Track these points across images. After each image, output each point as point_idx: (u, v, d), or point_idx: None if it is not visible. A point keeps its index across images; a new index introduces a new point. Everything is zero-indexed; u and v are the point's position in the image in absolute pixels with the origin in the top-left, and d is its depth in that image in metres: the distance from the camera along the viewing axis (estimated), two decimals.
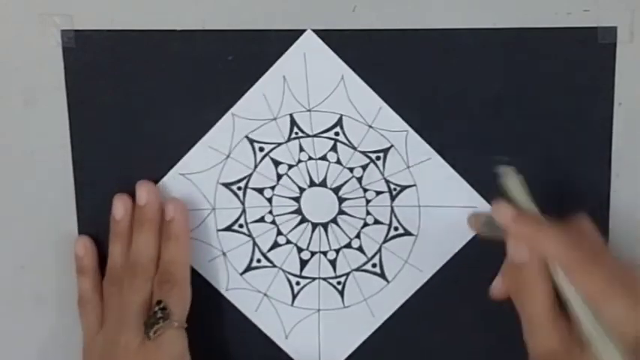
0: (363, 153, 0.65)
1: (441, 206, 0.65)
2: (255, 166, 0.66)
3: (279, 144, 0.65)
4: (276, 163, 0.66)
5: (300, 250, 0.67)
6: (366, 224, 0.66)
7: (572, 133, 0.65)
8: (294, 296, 0.68)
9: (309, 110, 0.65)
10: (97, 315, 0.65)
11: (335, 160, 0.65)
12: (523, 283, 0.58)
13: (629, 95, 0.64)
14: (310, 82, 0.64)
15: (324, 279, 0.67)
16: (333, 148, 0.65)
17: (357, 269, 0.67)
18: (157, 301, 0.62)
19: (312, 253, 0.67)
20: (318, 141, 0.65)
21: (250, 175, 0.66)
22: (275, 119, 0.65)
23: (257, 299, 0.68)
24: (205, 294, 0.67)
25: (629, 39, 0.64)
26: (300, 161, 0.66)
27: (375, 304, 0.67)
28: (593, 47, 0.64)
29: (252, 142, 0.65)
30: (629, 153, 0.65)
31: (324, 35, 0.64)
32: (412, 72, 0.64)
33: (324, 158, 0.65)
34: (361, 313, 0.68)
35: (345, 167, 0.66)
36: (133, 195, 0.66)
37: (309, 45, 0.64)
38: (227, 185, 0.66)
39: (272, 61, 0.64)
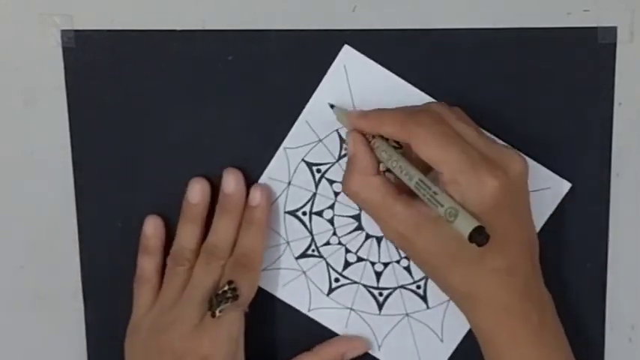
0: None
1: None
2: (316, 188, 0.66)
3: (332, 163, 0.65)
4: (331, 182, 0.66)
5: (372, 263, 0.67)
6: None
7: (572, 133, 0.65)
8: (380, 306, 0.67)
9: None
10: (153, 294, 0.65)
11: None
12: (354, 177, 0.60)
13: (629, 95, 0.65)
14: (354, 95, 0.64)
15: (403, 286, 0.67)
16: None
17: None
18: (229, 281, 0.63)
19: (385, 265, 0.67)
20: None
21: (313, 198, 0.66)
22: (321, 140, 0.65)
23: (344, 315, 0.68)
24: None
25: (629, 39, 0.64)
26: None
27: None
28: (593, 47, 0.64)
29: (309, 165, 0.66)
30: (629, 153, 0.65)
31: (326, 35, 0.64)
32: (412, 72, 0.64)
33: None
34: (449, 314, 0.67)
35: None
36: (133, 188, 0.66)
37: (349, 59, 0.64)
38: (292, 213, 0.66)
39: (272, 61, 0.64)
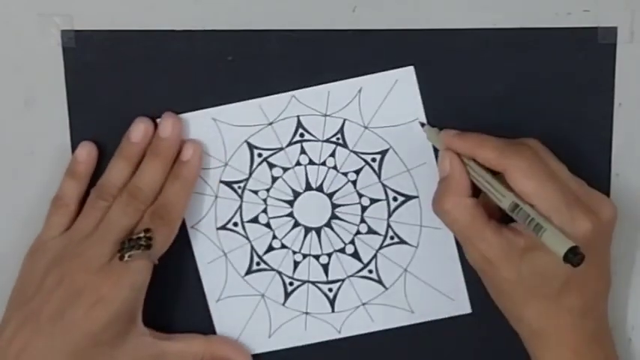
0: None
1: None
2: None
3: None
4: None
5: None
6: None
7: (572, 133, 0.65)
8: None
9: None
10: (67, 220, 0.64)
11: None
12: (448, 197, 0.60)
13: (629, 95, 0.65)
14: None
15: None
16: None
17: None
18: (146, 229, 0.62)
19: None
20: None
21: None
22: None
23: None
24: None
25: (629, 39, 0.64)
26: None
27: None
28: (593, 47, 0.64)
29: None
30: (629, 153, 0.65)
31: (326, 35, 0.64)
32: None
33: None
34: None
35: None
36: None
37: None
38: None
39: (272, 61, 0.64)
